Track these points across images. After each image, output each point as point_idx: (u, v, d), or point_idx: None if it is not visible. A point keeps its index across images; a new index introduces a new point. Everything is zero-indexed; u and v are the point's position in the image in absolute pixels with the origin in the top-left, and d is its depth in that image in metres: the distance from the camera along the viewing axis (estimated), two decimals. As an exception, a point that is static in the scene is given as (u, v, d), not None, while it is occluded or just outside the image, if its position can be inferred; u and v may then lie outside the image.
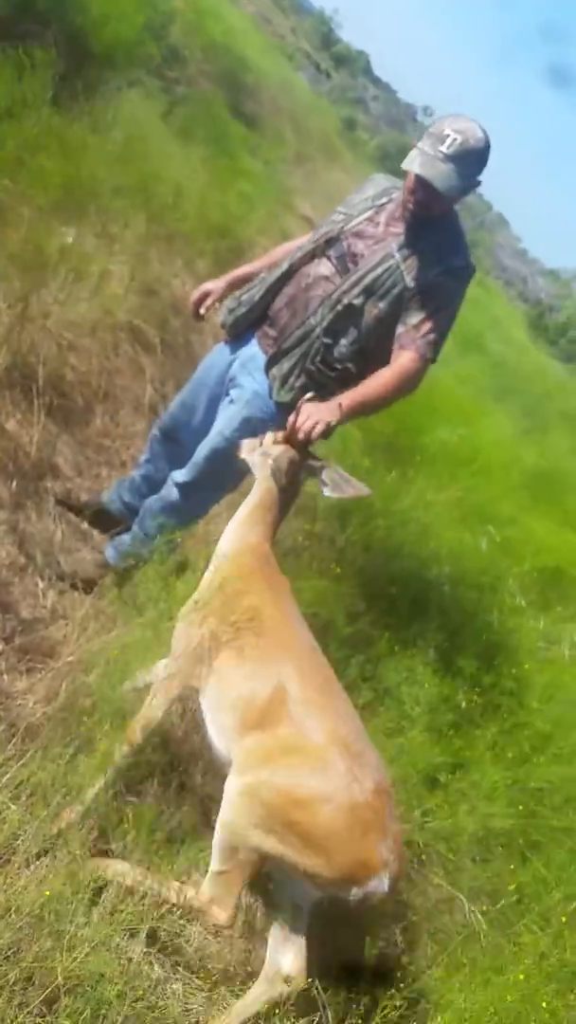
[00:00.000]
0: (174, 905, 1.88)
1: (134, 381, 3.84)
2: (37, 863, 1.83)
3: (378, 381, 2.35)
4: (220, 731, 2.01)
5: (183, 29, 7.87)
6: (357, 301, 2.40)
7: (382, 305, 2.40)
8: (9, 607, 2.51)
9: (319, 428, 2.24)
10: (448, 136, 2.28)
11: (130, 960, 1.79)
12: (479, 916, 2.43)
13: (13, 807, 1.85)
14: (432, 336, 2.39)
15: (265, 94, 10.23)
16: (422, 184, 2.31)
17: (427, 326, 2.37)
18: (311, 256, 2.50)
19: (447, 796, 2.64)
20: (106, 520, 3.02)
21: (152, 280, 4.03)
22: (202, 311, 2.78)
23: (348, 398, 2.31)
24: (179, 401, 2.89)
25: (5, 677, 2.28)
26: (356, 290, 2.40)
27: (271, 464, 2.31)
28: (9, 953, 1.60)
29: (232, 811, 1.85)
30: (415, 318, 2.38)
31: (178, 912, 1.90)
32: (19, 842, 1.83)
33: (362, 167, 15.97)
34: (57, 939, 1.65)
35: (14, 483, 2.87)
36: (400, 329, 2.39)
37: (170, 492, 2.71)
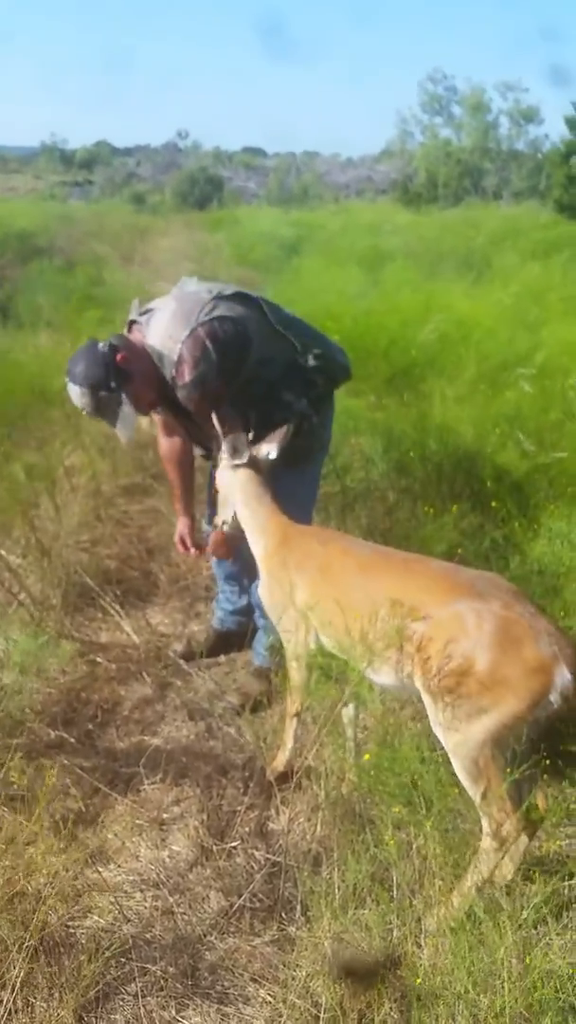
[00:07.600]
0: (488, 877, 1.85)
1: (157, 522, 3.93)
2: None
3: None
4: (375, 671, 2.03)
5: None
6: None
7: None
8: (211, 759, 2.56)
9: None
10: None
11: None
12: None
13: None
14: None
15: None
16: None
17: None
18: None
19: None
20: (230, 640, 3.08)
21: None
22: (194, 551, 2.90)
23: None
24: (209, 507, 2.93)
25: (271, 820, 2.31)
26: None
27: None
28: None
29: (450, 736, 1.85)
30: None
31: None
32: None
33: None
34: None
35: (145, 674, 2.94)
36: None
37: None
